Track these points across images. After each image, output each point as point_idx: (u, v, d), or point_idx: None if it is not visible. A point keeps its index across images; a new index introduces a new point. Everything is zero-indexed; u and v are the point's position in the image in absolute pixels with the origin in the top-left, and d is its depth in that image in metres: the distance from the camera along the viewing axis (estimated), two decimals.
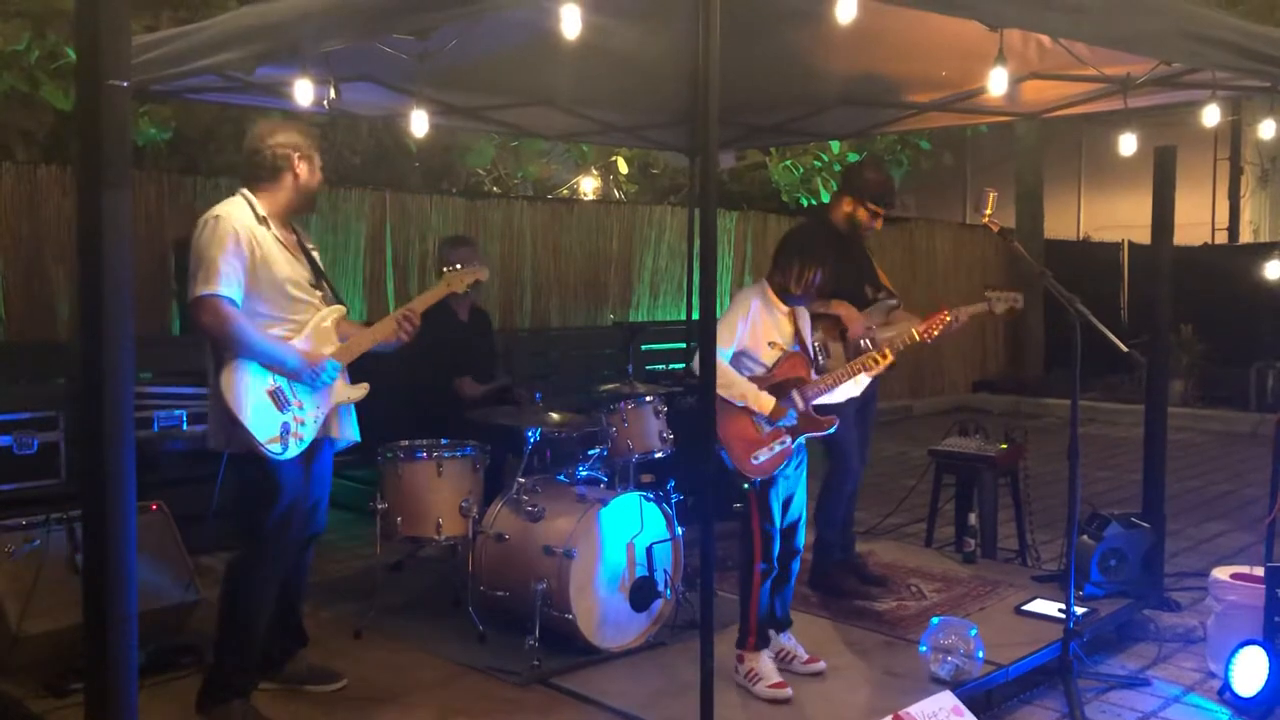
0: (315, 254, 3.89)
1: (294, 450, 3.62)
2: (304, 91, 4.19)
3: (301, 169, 3.76)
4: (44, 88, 6.90)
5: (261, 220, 3.67)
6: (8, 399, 5.44)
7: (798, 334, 4.16)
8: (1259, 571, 4.42)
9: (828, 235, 5.08)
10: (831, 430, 4.12)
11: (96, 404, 2.60)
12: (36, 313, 6.65)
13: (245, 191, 3.73)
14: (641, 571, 4.37)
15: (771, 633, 4.15)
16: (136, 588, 2.71)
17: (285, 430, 3.58)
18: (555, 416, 4.79)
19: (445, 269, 4.19)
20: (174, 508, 4.62)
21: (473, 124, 6.31)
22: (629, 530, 4.37)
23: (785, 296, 4.12)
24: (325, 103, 4.45)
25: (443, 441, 4.68)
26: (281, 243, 3.71)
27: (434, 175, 10.11)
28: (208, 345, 3.65)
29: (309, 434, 3.68)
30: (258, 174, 3.74)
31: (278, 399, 3.60)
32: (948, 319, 4.39)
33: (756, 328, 4.05)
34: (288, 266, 3.69)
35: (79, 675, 3.28)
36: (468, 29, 3.74)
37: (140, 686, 2.80)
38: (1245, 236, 15.69)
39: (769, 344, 4.07)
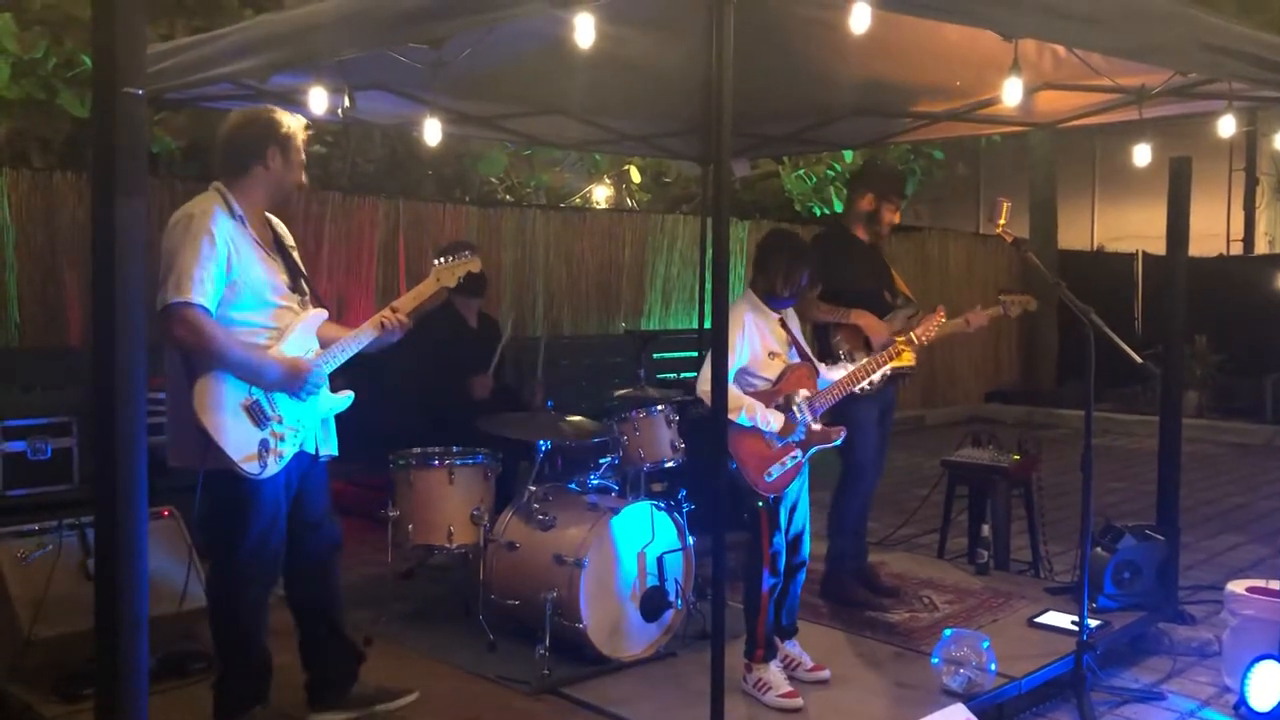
0: (295, 253, 3.64)
1: (274, 469, 3.38)
2: (318, 100, 4.21)
3: (274, 160, 3.48)
4: (60, 95, 6.95)
5: (237, 218, 3.41)
6: (22, 405, 5.47)
7: (791, 338, 4.14)
8: (1275, 585, 4.40)
9: (847, 242, 5.08)
10: (838, 442, 4.11)
11: (109, 410, 2.61)
12: (51, 319, 6.68)
13: (220, 186, 3.46)
14: (652, 581, 4.36)
15: (777, 640, 4.14)
16: (148, 593, 2.71)
17: (264, 447, 3.34)
18: (567, 425, 4.79)
19: (435, 261, 3.90)
20: (186, 514, 4.61)
21: (486, 132, 6.33)
22: (640, 539, 4.36)
23: (771, 300, 4.10)
24: (339, 111, 4.46)
25: (454, 449, 4.69)
26: (258, 242, 3.46)
27: (447, 184, 10.14)
28: (169, 353, 3.42)
29: (290, 450, 3.45)
30: (230, 166, 3.48)
31: (255, 414, 3.36)
32: (941, 319, 4.35)
33: (754, 341, 4.02)
34: (265, 270, 3.44)
35: (90, 680, 3.28)
36: (482, 38, 3.74)
37: (151, 692, 2.81)
38: (1260, 247, 15.62)
39: (769, 355, 4.06)
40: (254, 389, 3.38)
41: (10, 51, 6.65)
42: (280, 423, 3.42)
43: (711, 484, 3.30)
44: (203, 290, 3.27)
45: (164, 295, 3.28)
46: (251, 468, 3.33)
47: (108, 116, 2.57)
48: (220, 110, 5.79)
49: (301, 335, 3.52)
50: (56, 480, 5.39)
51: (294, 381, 3.42)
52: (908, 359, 4.21)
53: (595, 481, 4.66)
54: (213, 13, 7.09)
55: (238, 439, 3.32)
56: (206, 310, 3.28)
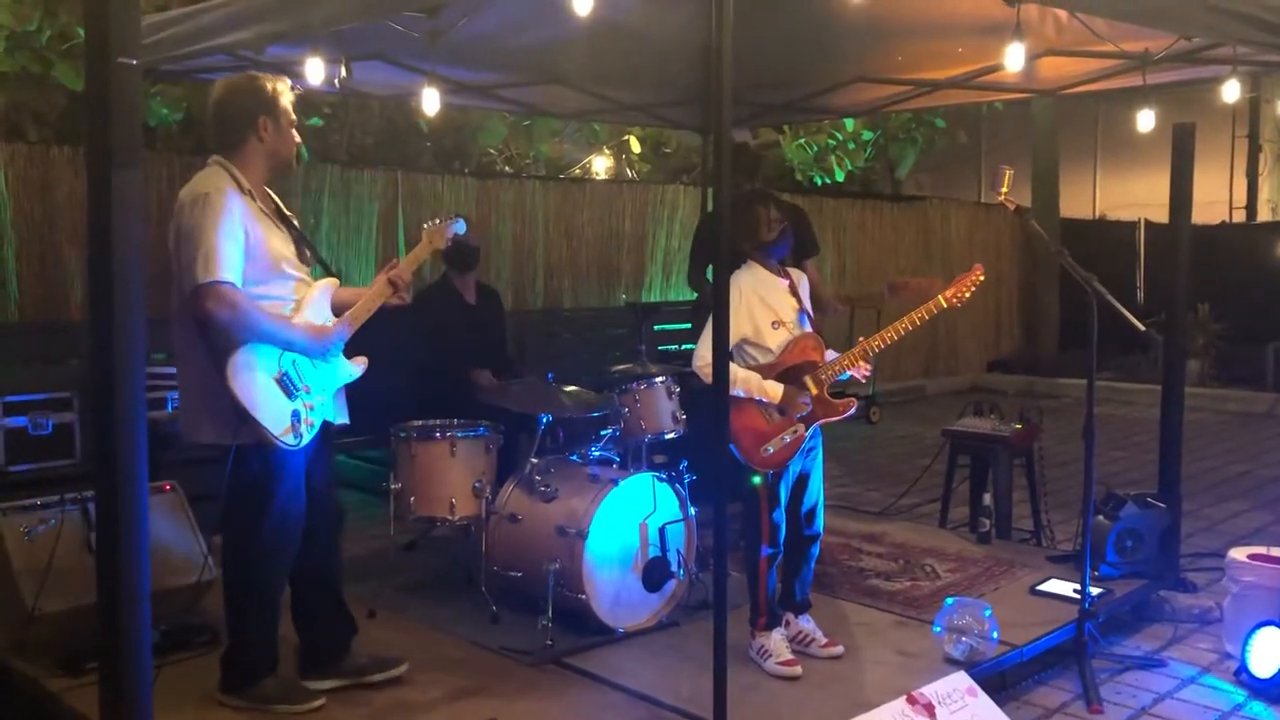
0: (295, 221, 3.66)
1: (307, 438, 3.48)
2: (315, 70, 4.17)
3: (267, 130, 3.48)
4: (55, 68, 6.90)
5: (246, 192, 3.44)
6: (23, 380, 5.47)
7: (801, 307, 4.08)
8: (1276, 552, 4.40)
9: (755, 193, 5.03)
10: (850, 413, 4.05)
11: (108, 385, 2.60)
12: (50, 294, 6.67)
13: (222, 160, 3.47)
14: (654, 552, 4.37)
15: (790, 616, 4.14)
16: (149, 567, 2.71)
17: (296, 418, 3.44)
18: (568, 397, 4.78)
19: (424, 226, 3.98)
20: (187, 487, 4.62)
21: (484, 103, 6.29)
22: (642, 510, 4.36)
23: (767, 255, 4.02)
24: (336, 82, 4.42)
25: (456, 422, 4.68)
26: (266, 214, 3.50)
27: (446, 155, 10.09)
28: (180, 330, 3.46)
29: (318, 418, 3.56)
30: (225, 140, 3.48)
31: (286, 386, 3.44)
32: (980, 278, 4.05)
33: (753, 311, 3.95)
34: (278, 241, 3.49)
35: (94, 654, 3.29)
36: (478, 6, 3.71)
37: (155, 665, 2.82)
38: (1263, 215, 15.54)
39: (773, 324, 3.99)
40: (283, 361, 3.45)
41: (4, 24, 6.60)
42: (309, 393, 3.51)
43: (713, 455, 3.29)
44: (230, 266, 3.31)
45: (193, 276, 3.30)
46: (289, 439, 3.41)
47: (102, 87, 2.55)
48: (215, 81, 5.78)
49: (318, 304, 3.60)
50: (58, 455, 5.39)
51: (318, 348, 3.52)
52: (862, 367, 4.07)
53: (596, 453, 4.66)
54: None
55: (272, 412, 3.38)
56: (234, 285, 3.33)
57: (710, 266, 4.09)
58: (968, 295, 4.02)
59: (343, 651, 3.82)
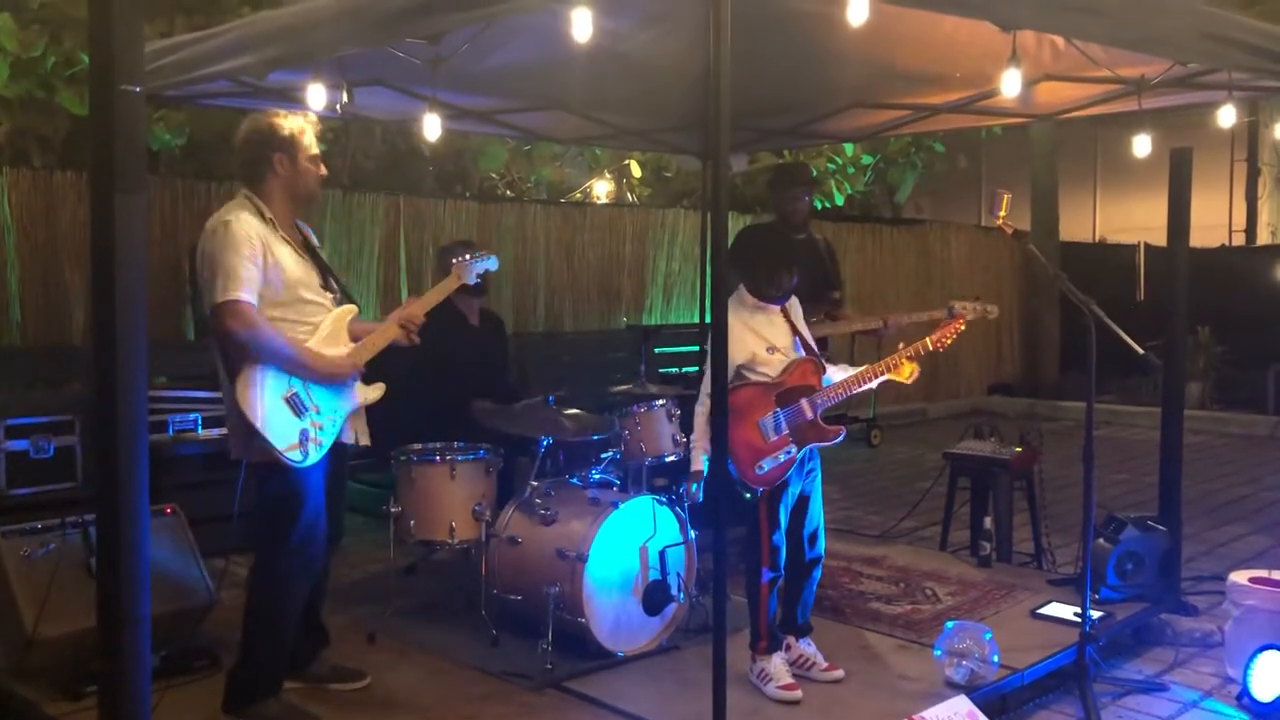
0: (322, 253, 3.84)
1: (315, 456, 3.58)
2: (317, 96, 4.20)
3: (282, 167, 3.65)
4: (60, 94, 6.95)
5: (268, 222, 3.60)
6: (25, 403, 5.47)
7: (795, 331, 4.11)
8: (1278, 575, 4.40)
9: (781, 237, 5.05)
10: (839, 439, 4.07)
11: (110, 408, 2.62)
12: (53, 318, 6.69)
13: (248, 193, 3.66)
14: (654, 575, 4.36)
15: (791, 639, 4.13)
16: (150, 591, 2.72)
17: (304, 437, 3.54)
18: (568, 420, 4.79)
19: (454, 260, 4.14)
20: (188, 511, 4.63)
21: (485, 128, 6.32)
22: (642, 534, 4.36)
23: (764, 299, 4.07)
24: (338, 107, 4.45)
25: (456, 445, 4.69)
26: (289, 243, 3.65)
27: (447, 179, 10.13)
28: (217, 353, 3.61)
29: (328, 438, 3.64)
30: (248, 176, 3.68)
31: (295, 405, 3.54)
32: (962, 328, 4.26)
33: (746, 341, 3.97)
34: (298, 268, 3.64)
35: (94, 678, 3.29)
36: (479, 33, 3.74)
37: (154, 689, 2.82)
38: (1263, 238, 15.60)
39: (768, 349, 4.02)
40: (293, 380, 3.56)
41: (9, 50, 6.64)
42: (318, 413, 3.62)
43: (714, 478, 3.30)
44: (247, 287, 3.47)
45: (212, 296, 3.48)
46: (294, 456, 3.51)
47: (106, 114, 2.58)
48: (219, 108, 5.83)
49: (333, 330, 3.72)
50: (59, 478, 5.40)
51: (329, 376, 3.63)
52: (906, 373, 4.11)
53: (597, 476, 4.67)
54: (211, 10, 7.09)
55: (280, 429, 3.49)
56: (252, 305, 3.48)
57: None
58: (949, 342, 4.22)
59: (310, 660, 3.98)
